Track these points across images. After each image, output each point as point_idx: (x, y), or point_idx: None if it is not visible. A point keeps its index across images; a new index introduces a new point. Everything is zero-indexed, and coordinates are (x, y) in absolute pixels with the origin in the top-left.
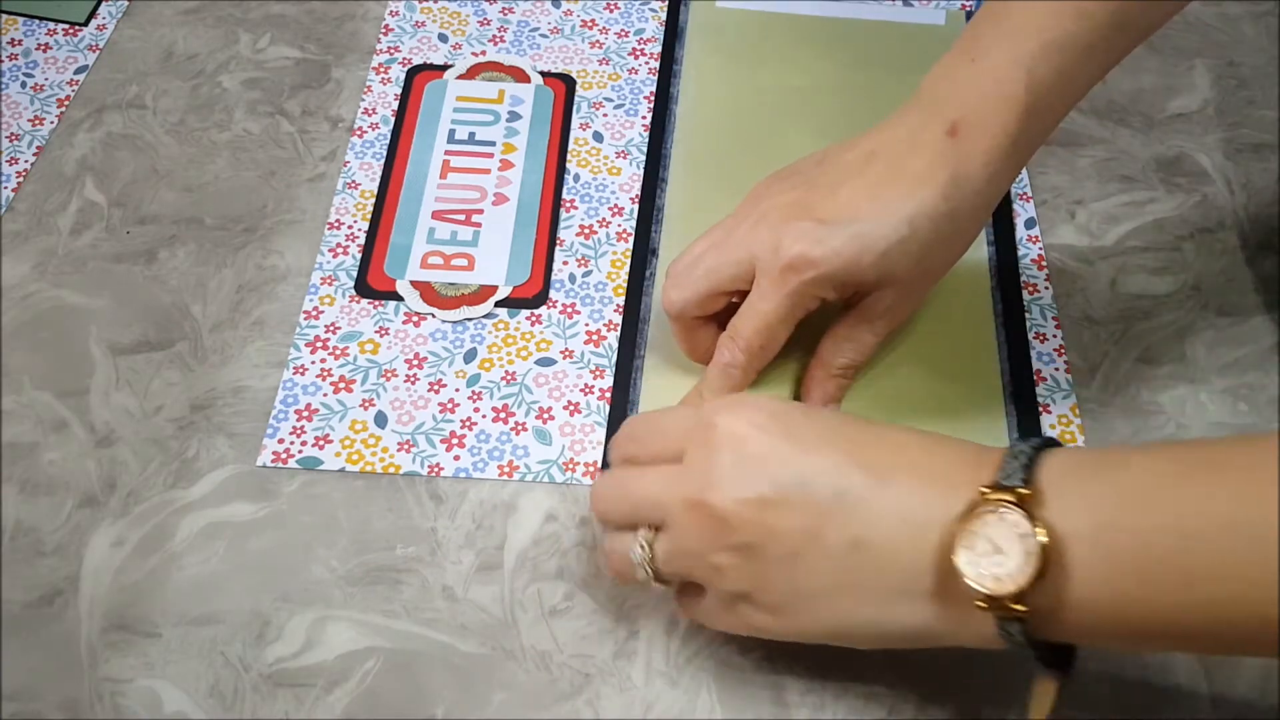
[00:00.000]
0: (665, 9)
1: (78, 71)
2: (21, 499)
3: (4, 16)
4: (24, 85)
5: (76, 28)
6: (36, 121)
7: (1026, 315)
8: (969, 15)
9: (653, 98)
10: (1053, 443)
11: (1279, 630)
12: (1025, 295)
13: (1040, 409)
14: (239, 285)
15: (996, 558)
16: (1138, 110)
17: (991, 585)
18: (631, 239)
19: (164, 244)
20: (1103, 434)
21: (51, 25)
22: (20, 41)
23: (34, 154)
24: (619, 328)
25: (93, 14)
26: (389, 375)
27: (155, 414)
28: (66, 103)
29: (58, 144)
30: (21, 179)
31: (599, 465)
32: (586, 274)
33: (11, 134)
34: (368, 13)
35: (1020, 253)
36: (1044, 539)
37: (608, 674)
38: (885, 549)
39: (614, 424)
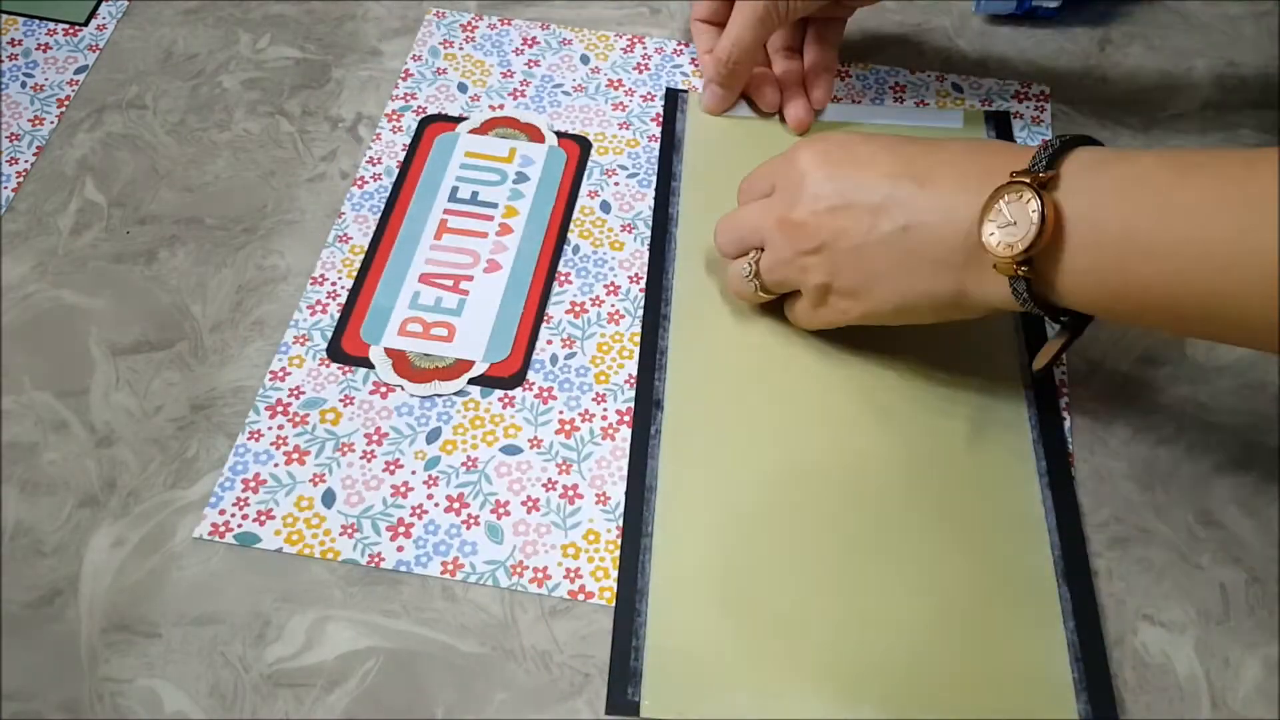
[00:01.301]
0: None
1: (78, 71)
2: (21, 499)
3: (4, 16)
4: (24, 85)
5: (76, 28)
6: (36, 121)
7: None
8: (988, 116)
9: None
10: (1088, 140)
11: (1246, 310)
12: None
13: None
14: (239, 285)
15: (1010, 228)
16: (1138, 110)
17: (1003, 249)
18: (622, 320)
19: (164, 244)
20: (1103, 434)
21: (51, 25)
22: (20, 41)
23: (34, 154)
24: (594, 418)
25: (93, 14)
26: (345, 449)
27: (155, 414)
28: (66, 103)
29: (58, 144)
30: (21, 179)
31: (546, 572)
32: (570, 356)
33: (11, 134)
34: (368, 13)
35: None
36: (1045, 213)
37: (608, 674)
38: (928, 230)
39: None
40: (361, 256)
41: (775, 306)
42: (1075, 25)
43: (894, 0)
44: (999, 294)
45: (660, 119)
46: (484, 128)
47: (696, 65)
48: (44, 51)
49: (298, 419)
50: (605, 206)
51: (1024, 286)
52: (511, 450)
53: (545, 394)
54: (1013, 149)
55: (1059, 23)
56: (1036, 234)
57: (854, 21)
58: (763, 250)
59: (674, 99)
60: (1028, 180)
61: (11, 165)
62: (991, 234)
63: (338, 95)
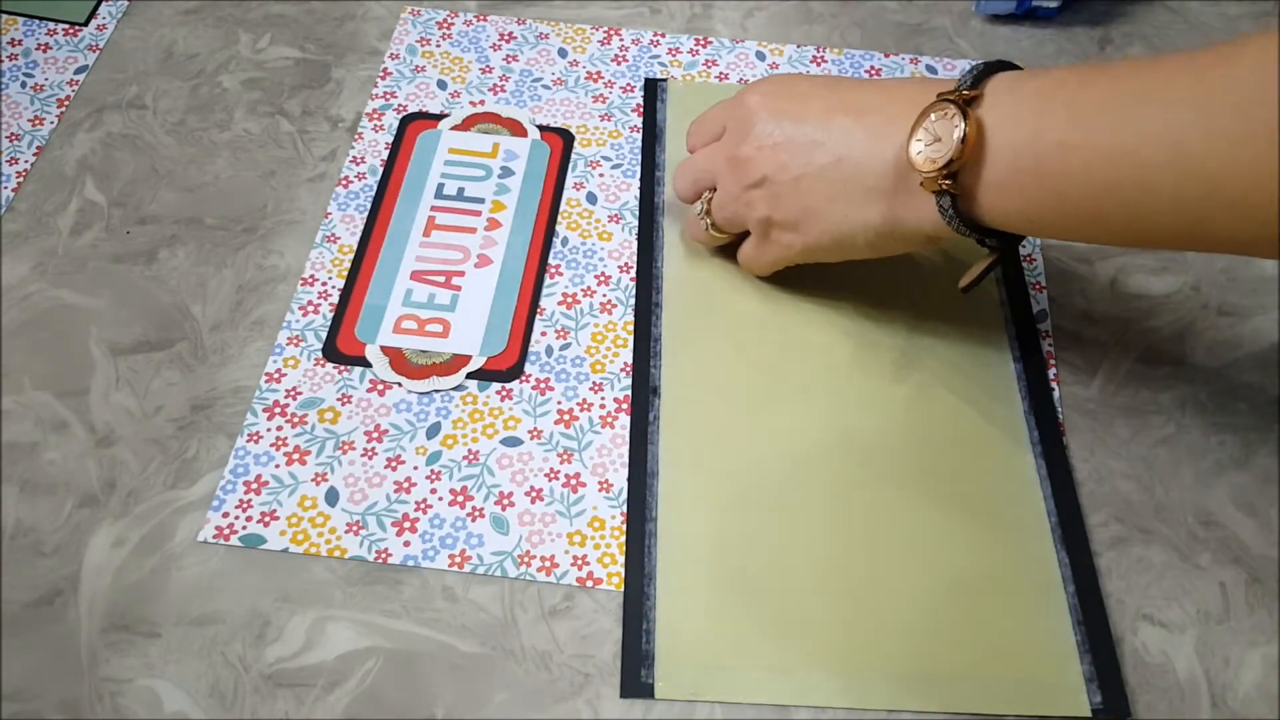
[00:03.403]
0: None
1: (78, 71)
2: (21, 499)
3: (4, 16)
4: (24, 85)
5: (76, 28)
6: (36, 121)
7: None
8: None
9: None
10: (1011, 66)
11: (1154, 196)
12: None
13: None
14: (239, 285)
15: (936, 145)
16: None
17: (928, 165)
18: (615, 309)
19: (164, 244)
20: (1102, 434)
21: (51, 25)
22: (20, 41)
23: (34, 154)
24: (592, 407)
25: (93, 14)
26: (346, 448)
27: (155, 414)
28: (66, 103)
29: (58, 144)
30: (21, 179)
31: (554, 560)
32: (565, 346)
33: (11, 134)
34: (368, 13)
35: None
36: (968, 128)
37: (608, 674)
38: (859, 160)
39: (633, 531)
40: (350, 256)
41: (767, 286)
42: (1075, 25)
43: (894, 0)
44: (929, 217)
45: (640, 109)
46: (466, 124)
47: (673, 72)
48: (44, 51)
49: (296, 419)
50: (591, 198)
51: (949, 203)
52: (512, 442)
53: (542, 385)
54: (944, 81)
55: (1059, 23)
56: (959, 146)
57: (854, 22)
58: (715, 190)
59: (653, 88)
60: (953, 99)
61: (11, 165)
62: (919, 151)
63: (338, 95)
